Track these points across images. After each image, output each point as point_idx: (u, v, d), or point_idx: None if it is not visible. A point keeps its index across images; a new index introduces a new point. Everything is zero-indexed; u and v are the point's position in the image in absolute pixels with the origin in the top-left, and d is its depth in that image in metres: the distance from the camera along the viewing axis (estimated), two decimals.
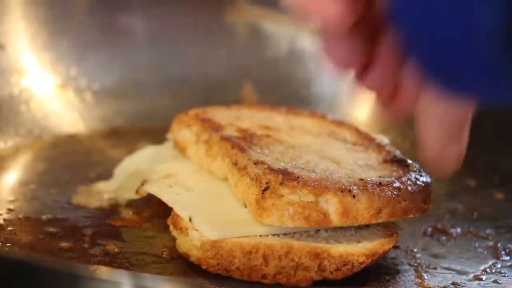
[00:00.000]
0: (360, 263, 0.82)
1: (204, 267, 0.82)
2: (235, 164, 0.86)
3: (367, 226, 0.86)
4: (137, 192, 0.91)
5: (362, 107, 1.23)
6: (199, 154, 0.93)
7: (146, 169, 0.95)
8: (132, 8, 1.21)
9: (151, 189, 0.90)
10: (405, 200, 0.83)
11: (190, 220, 0.84)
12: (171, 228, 0.86)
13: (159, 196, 0.89)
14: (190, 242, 0.83)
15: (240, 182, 0.84)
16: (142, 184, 0.91)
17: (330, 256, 0.81)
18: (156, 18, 1.21)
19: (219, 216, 0.84)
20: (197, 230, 0.83)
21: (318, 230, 0.84)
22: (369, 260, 0.82)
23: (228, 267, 0.81)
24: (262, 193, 0.80)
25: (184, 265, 0.84)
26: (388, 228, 0.87)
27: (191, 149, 0.94)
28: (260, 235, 0.82)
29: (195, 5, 1.23)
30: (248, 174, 0.83)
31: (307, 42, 1.26)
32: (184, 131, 0.96)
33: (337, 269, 0.81)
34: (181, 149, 0.96)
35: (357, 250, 0.82)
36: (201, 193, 0.88)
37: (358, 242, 0.84)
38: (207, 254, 0.81)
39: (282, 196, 0.80)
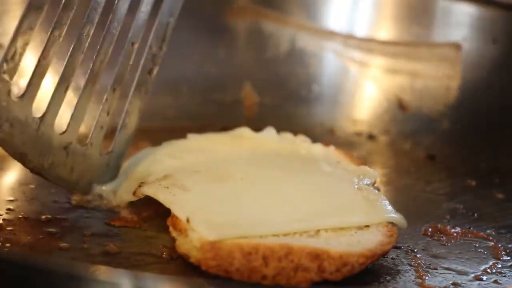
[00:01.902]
0: (360, 264, 0.82)
1: (203, 268, 0.81)
2: None
3: (367, 226, 0.86)
4: (134, 194, 0.91)
5: (362, 107, 1.23)
6: None
7: (145, 171, 0.95)
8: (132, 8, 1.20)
9: (148, 191, 0.90)
10: None
11: (187, 221, 0.84)
12: (171, 229, 0.86)
13: (156, 198, 0.89)
14: (190, 243, 0.83)
15: None
16: (140, 186, 0.91)
17: (330, 257, 0.81)
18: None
19: (216, 217, 0.84)
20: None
21: (318, 231, 0.84)
22: (369, 261, 0.82)
23: (228, 268, 0.81)
24: None
25: (184, 266, 0.84)
26: (388, 229, 0.87)
27: None
28: (260, 236, 0.82)
29: (195, 5, 1.23)
30: None
31: (307, 42, 1.26)
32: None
33: (337, 270, 0.81)
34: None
35: (357, 251, 0.82)
36: (199, 194, 0.88)
37: (358, 242, 0.84)
38: (207, 255, 0.81)
39: None
